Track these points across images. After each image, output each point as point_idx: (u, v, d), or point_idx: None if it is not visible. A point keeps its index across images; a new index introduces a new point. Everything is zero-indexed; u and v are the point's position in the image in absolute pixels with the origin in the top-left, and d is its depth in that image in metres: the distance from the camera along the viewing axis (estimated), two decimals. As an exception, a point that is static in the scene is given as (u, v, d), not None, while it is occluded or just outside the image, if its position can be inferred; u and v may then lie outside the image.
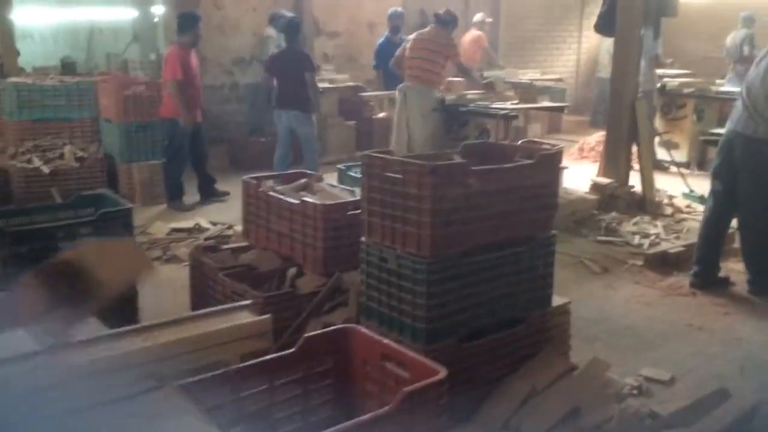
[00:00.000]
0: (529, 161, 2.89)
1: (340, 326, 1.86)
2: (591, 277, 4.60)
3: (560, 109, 8.18)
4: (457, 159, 2.95)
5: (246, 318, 1.73)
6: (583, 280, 4.56)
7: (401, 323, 2.65)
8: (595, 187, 6.15)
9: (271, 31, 8.32)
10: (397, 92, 6.84)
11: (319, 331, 1.88)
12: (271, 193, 3.49)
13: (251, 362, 1.74)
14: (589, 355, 3.09)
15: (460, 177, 2.62)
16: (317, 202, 3.29)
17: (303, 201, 3.31)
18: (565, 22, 12.37)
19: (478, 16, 10.26)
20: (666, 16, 6.46)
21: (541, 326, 2.95)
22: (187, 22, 6.36)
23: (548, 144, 6.45)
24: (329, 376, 1.84)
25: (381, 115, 8.53)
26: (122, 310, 2.89)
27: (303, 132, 6.65)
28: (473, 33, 10.16)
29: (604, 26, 6.72)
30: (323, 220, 3.17)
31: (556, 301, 3.07)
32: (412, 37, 6.96)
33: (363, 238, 2.79)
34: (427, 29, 6.92)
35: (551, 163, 2.96)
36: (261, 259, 3.52)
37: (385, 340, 1.81)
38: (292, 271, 3.31)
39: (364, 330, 1.87)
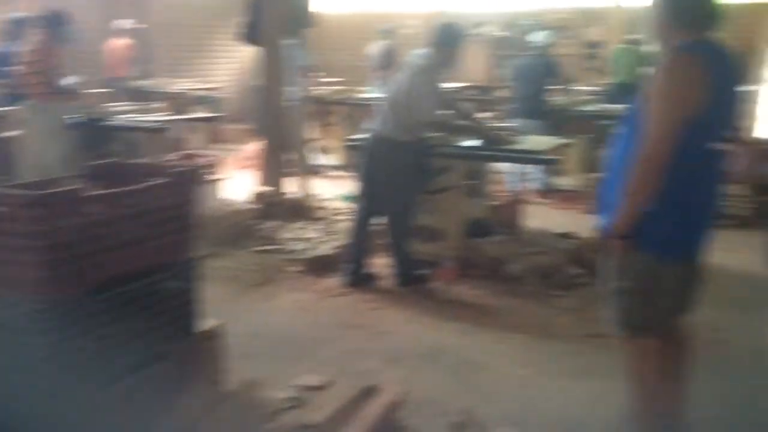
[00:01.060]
0: (161, 181, 2.67)
1: None
2: (249, 290, 4.55)
3: (214, 120, 8.10)
4: (79, 183, 2.62)
5: None
6: (242, 294, 4.48)
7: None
8: (255, 196, 6.16)
9: None
10: (21, 110, 6.02)
11: None
12: None
13: None
14: (248, 374, 3.00)
15: (74, 205, 2.31)
16: None
17: None
18: (219, 30, 12.29)
19: (125, 23, 9.65)
20: (302, 27, 6.74)
21: (188, 357, 2.75)
22: None
23: (210, 154, 6.20)
24: None
25: (10, 134, 7.45)
26: None
27: None
28: (121, 41, 9.55)
29: (250, 36, 6.75)
30: None
31: (207, 324, 2.91)
32: (23, 48, 6.02)
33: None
34: (35, 37, 5.90)
35: (187, 182, 2.78)
36: None
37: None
38: None
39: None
